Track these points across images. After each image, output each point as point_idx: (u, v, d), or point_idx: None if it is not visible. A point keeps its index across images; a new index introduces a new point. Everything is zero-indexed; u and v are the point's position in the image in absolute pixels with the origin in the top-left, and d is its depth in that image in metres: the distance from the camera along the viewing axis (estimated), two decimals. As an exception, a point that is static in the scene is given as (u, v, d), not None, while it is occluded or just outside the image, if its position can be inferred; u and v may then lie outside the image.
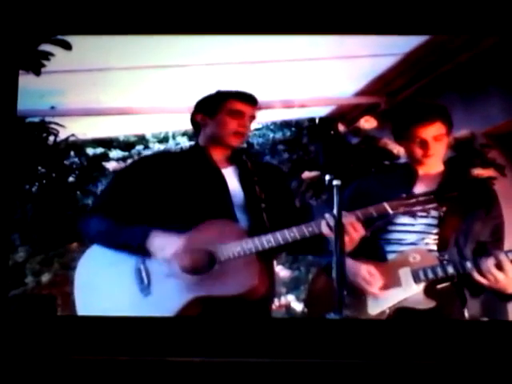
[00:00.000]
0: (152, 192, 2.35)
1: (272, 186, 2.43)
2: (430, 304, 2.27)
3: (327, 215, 2.17)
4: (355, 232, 2.17)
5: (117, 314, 2.27)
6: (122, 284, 2.26)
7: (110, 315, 2.28)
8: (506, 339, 2.28)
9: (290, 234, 2.22)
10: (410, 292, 2.29)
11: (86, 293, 2.31)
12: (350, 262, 2.23)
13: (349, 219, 2.15)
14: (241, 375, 2.23)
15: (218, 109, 2.39)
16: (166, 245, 2.22)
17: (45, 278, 3.06)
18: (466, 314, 2.32)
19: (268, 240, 2.22)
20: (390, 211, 2.21)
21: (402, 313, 2.28)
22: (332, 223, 2.11)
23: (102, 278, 2.28)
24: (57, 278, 3.06)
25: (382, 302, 2.30)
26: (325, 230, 2.18)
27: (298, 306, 3.11)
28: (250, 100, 2.40)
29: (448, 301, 2.31)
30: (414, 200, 2.21)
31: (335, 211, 2.00)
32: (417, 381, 2.22)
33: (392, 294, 2.30)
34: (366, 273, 2.29)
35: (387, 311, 2.29)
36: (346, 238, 2.14)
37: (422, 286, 2.29)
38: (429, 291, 2.28)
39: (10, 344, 2.31)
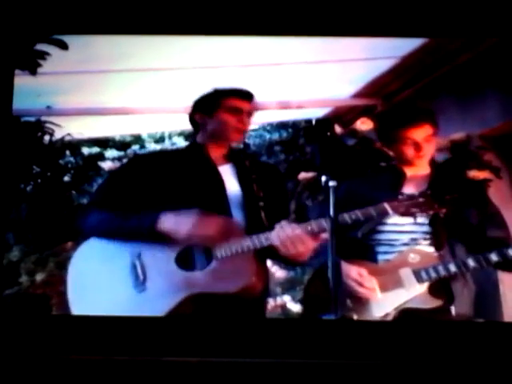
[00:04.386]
0: (148, 189, 2.34)
1: (270, 184, 2.43)
2: (435, 303, 2.27)
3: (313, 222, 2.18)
4: (302, 245, 2.17)
5: (111, 311, 2.26)
6: (117, 280, 2.25)
7: (105, 315, 2.27)
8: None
9: None
10: (414, 292, 2.28)
11: (79, 290, 2.29)
12: (341, 264, 2.23)
13: (297, 232, 2.16)
14: (235, 375, 2.22)
15: (216, 107, 2.40)
16: (179, 224, 2.21)
17: (39, 277, 3.05)
18: (453, 312, 2.31)
19: (266, 238, 2.22)
20: (391, 211, 2.20)
21: (406, 314, 2.28)
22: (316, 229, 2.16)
23: (95, 274, 2.27)
24: (51, 277, 3.05)
25: (385, 304, 2.29)
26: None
27: (294, 307, 3.11)
28: (246, 96, 2.42)
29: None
30: (414, 201, 2.20)
31: (331, 212, 1.98)
32: (413, 382, 2.21)
33: (395, 295, 2.29)
34: (356, 274, 2.29)
35: (392, 313, 2.28)
36: (294, 251, 2.16)
37: (425, 285, 2.28)
38: (433, 290, 2.28)
39: (3, 343, 2.29)
